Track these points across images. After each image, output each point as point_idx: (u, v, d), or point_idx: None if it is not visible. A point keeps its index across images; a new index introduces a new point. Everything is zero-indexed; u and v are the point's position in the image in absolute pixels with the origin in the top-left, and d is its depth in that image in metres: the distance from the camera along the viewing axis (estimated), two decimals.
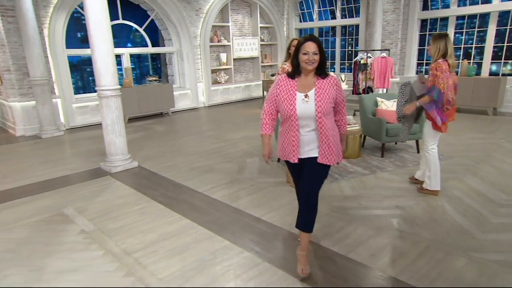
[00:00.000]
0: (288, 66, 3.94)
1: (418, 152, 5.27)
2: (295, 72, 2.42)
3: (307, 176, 2.47)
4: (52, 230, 3.30)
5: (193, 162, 5.25)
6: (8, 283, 2.54)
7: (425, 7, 9.44)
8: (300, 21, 12.34)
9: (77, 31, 9.19)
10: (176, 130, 7.62)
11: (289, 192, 4.00)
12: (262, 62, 12.13)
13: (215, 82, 10.98)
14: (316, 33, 12.00)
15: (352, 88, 8.41)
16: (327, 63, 11.99)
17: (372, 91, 8.04)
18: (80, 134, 7.42)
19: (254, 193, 4.04)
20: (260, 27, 11.61)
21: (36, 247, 3.01)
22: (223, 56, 11.00)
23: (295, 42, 3.54)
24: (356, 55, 8.77)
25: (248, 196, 3.97)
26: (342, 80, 8.17)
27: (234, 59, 11.14)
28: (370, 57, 8.14)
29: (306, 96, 2.35)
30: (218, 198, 3.94)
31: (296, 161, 2.45)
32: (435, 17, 9.25)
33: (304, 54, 2.30)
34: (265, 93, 10.30)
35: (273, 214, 3.50)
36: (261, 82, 11.95)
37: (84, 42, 10.23)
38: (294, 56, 2.40)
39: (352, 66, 8.68)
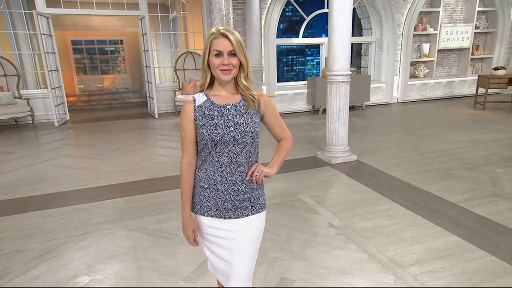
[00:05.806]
0: None
1: None
2: None
3: None
4: (298, 217, 3.15)
5: (421, 164, 4.47)
6: (280, 265, 2.41)
7: None
8: None
9: (279, 23, 9.57)
10: (379, 125, 6.93)
11: None
12: (472, 54, 10.08)
13: (413, 76, 9.75)
14: None
15: None
16: None
17: None
18: None
19: None
20: (478, 11, 9.63)
21: (290, 232, 2.87)
22: (426, 47, 9.61)
23: None
24: None
25: None
26: None
27: (438, 50, 9.62)
28: None
29: None
30: (486, 215, 3.06)
31: None
32: None
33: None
34: (480, 90, 8.46)
35: None
36: (468, 78, 10.05)
37: (285, 33, 10.68)
38: None
39: None
